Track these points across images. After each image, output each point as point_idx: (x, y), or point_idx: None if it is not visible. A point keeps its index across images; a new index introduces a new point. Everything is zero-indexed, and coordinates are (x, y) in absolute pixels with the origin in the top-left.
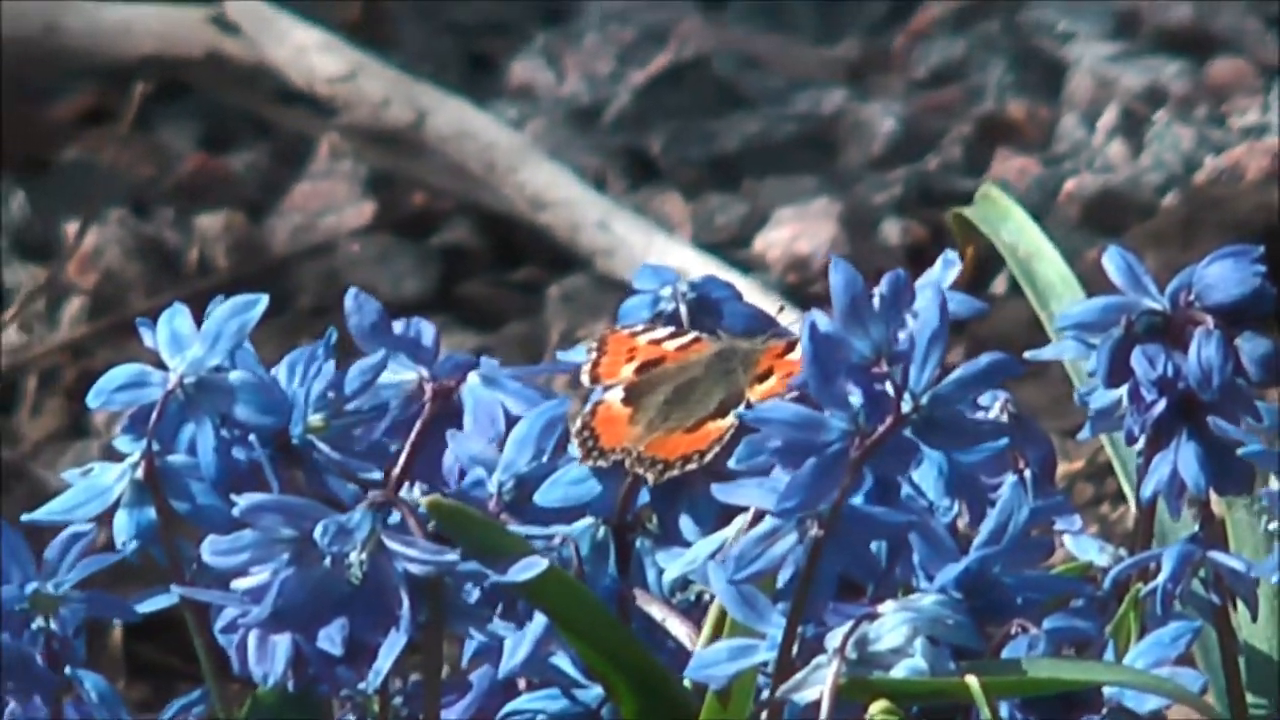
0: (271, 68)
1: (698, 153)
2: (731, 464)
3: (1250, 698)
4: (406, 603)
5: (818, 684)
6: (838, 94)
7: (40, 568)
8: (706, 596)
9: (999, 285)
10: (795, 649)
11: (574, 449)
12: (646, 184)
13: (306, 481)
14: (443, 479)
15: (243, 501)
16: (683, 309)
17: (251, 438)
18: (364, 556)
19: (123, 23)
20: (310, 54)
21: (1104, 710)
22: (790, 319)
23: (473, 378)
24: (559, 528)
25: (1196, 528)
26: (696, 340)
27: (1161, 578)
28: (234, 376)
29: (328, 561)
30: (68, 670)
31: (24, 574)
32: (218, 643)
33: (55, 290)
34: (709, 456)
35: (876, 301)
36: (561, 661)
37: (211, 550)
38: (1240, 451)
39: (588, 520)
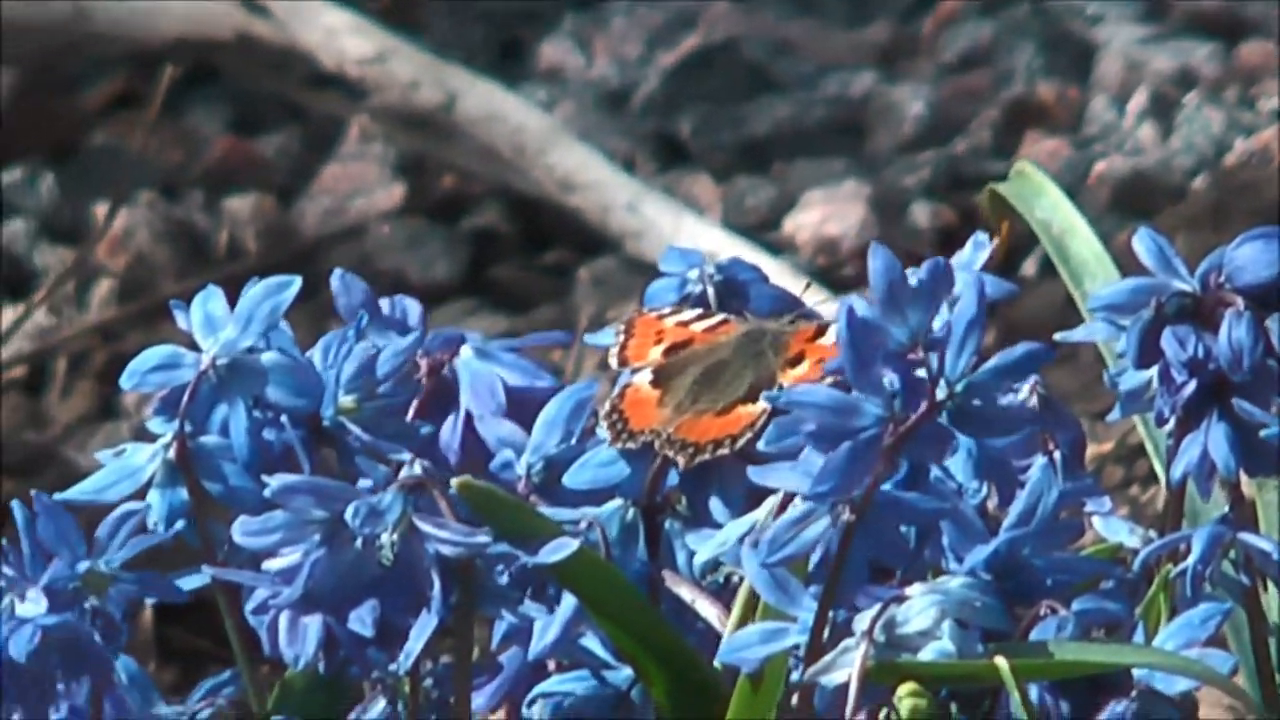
0: (301, 50)
1: (727, 136)
2: (761, 446)
3: None
4: (438, 584)
5: (846, 667)
6: (867, 77)
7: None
8: (736, 578)
9: (1030, 267)
10: (827, 632)
11: (603, 432)
12: (676, 166)
13: (338, 463)
14: (441, 455)
15: (274, 483)
16: (710, 291)
17: (284, 419)
18: (395, 538)
19: (152, 6)
20: (340, 36)
21: (1133, 692)
22: (818, 298)
23: (465, 351)
24: (588, 510)
25: (1227, 509)
26: (724, 322)
27: (1191, 559)
28: (266, 358)
29: (359, 543)
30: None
31: (74, 553)
32: (248, 625)
33: (85, 273)
34: (741, 442)
35: (915, 288)
36: (591, 643)
37: (243, 531)
38: (1264, 434)
39: (617, 502)
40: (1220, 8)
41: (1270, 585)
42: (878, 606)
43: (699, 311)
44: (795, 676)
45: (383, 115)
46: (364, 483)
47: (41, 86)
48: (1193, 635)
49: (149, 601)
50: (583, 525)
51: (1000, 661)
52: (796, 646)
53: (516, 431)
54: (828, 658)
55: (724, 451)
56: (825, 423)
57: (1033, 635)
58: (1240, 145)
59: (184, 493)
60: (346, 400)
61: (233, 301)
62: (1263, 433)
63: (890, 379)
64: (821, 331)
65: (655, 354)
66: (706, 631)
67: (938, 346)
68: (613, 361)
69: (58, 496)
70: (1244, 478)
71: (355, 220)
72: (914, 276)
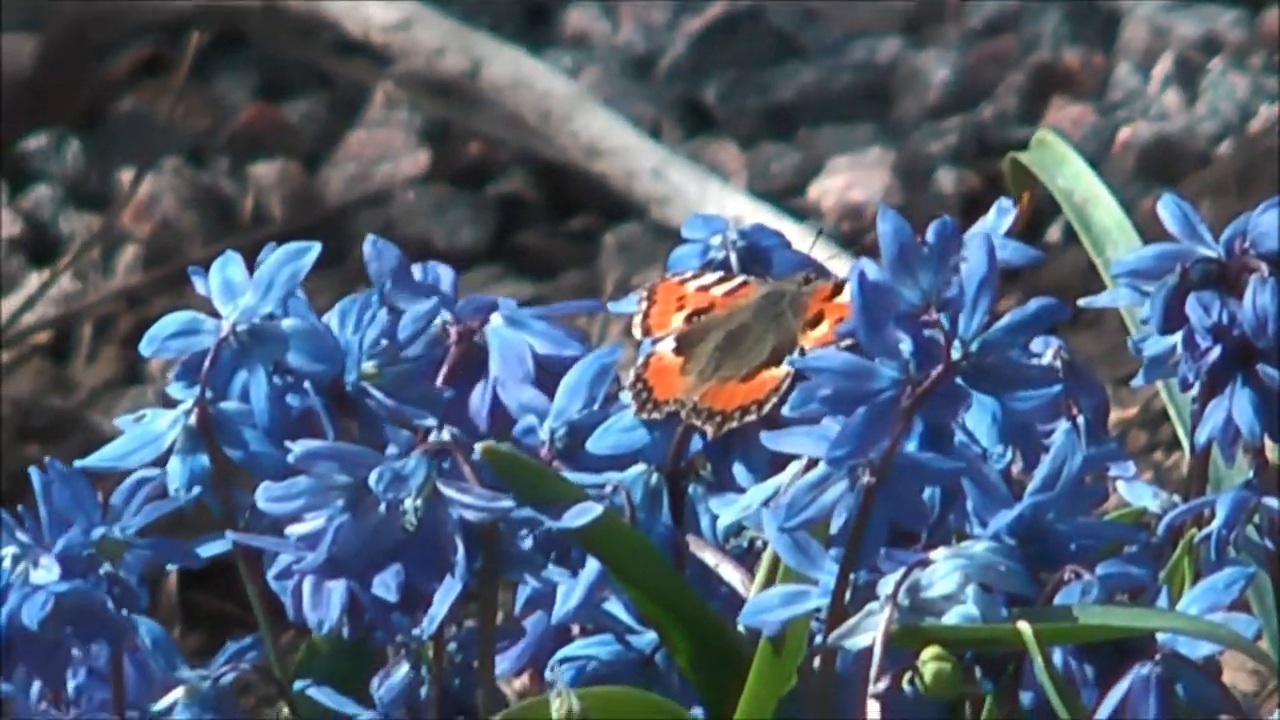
0: (327, 17)
1: (753, 102)
2: (785, 411)
3: None
4: (462, 549)
5: (870, 631)
6: (893, 43)
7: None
8: (760, 543)
9: (1054, 233)
10: (848, 596)
11: (628, 401)
12: (701, 133)
13: (360, 429)
14: (470, 421)
15: (298, 448)
16: (733, 257)
17: (305, 385)
18: (419, 503)
19: None
20: (365, 3)
21: (1157, 657)
22: (827, 253)
23: (495, 318)
24: (612, 475)
25: (1251, 474)
26: (744, 284)
27: (1216, 524)
28: (287, 324)
29: (383, 508)
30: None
31: (89, 519)
32: (271, 590)
33: (110, 239)
34: (767, 407)
35: (925, 250)
36: (614, 608)
37: (266, 497)
38: None
39: (640, 467)
40: None
41: None
42: (902, 571)
43: (719, 274)
44: (818, 640)
45: (408, 82)
46: (393, 449)
47: (69, 54)
48: (1217, 600)
49: (171, 567)
50: (607, 490)
51: (1023, 626)
52: (818, 610)
53: (539, 397)
54: (851, 621)
55: (751, 418)
56: (841, 387)
57: (1056, 600)
58: (1265, 111)
59: (205, 459)
60: (369, 366)
61: (255, 268)
62: None
63: (905, 341)
64: (838, 289)
65: (677, 321)
66: (730, 596)
67: (951, 307)
68: (636, 331)
69: (79, 464)
70: (1268, 443)
71: (380, 187)
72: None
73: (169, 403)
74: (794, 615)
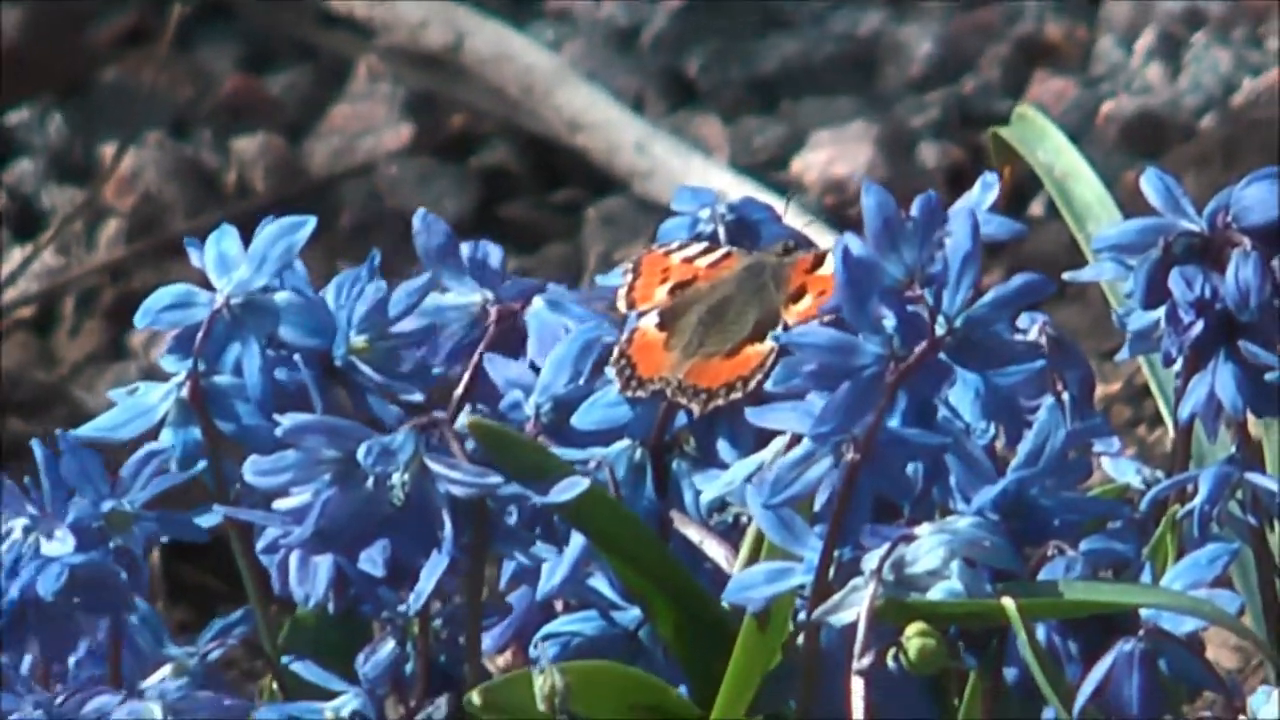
0: None
1: (736, 74)
2: (769, 386)
3: None
4: (449, 524)
5: (855, 606)
6: (876, 15)
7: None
8: (744, 519)
9: (1037, 207)
10: (832, 572)
11: (611, 377)
12: (685, 106)
13: (351, 403)
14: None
15: (286, 422)
16: (721, 231)
17: (297, 358)
18: (406, 478)
19: None
20: None
21: (1141, 632)
22: (803, 221)
23: (538, 301)
24: (596, 450)
25: (1234, 449)
26: (728, 256)
27: (1199, 499)
28: (280, 297)
29: (370, 483)
30: None
31: (97, 491)
32: (260, 564)
33: (93, 212)
34: (753, 384)
35: (909, 224)
36: (599, 584)
37: (254, 470)
38: (1269, 377)
39: (625, 442)
40: None
41: (1277, 525)
42: (886, 546)
43: (703, 246)
44: (802, 616)
45: (391, 55)
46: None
47: (55, 22)
48: (1200, 575)
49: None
50: (591, 465)
51: (1008, 601)
52: (802, 586)
53: (525, 372)
54: (836, 597)
55: (737, 395)
56: (825, 362)
57: (1040, 575)
58: (1248, 84)
59: (197, 431)
60: (358, 340)
61: (243, 242)
62: (1269, 375)
63: (888, 316)
64: (819, 260)
65: (661, 294)
66: (715, 571)
67: (936, 282)
68: (621, 304)
69: (70, 434)
70: (1251, 418)
71: (364, 159)
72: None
73: (153, 376)
74: (778, 592)
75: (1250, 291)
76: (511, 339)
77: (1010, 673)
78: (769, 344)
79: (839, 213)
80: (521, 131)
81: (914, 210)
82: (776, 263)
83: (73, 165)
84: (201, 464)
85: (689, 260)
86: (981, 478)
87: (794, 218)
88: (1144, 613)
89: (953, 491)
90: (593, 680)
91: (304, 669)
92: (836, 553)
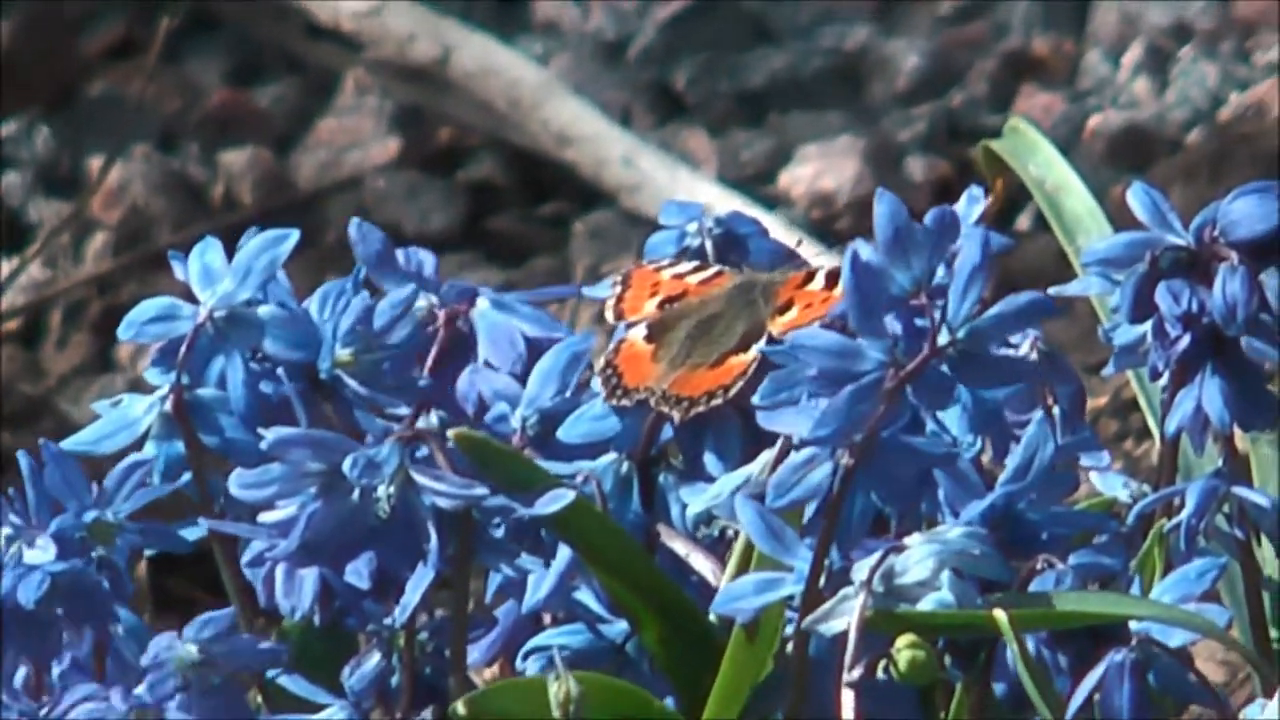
0: (297, 2)
1: (723, 88)
2: (755, 400)
3: (1275, 632)
4: (435, 537)
5: (844, 616)
6: (863, 29)
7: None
8: (730, 532)
9: (1024, 221)
10: (822, 582)
11: (598, 388)
12: (672, 119)
13: (336, 416)
14: (458, 406)
15: (271, 435)
16: (708, 245)
17: (281, 372)
18: (392, 490)
19: None
20: None
21: (1131, 644)
22: (811, 252)
23: (482, 302)
24: (583, 463)
25: (1221, 463)
26: (720, 274)
27: (1186, 513)
28: (264, 311)
29: (356, 495)
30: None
31: (81, 502)
32: (245, 577)
33: (80, 225)
34: (733, 391)
35: (920, 235)
36: (585, 597)
37: (239, 483)
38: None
39: (611, 455)
40: None
41: (1264, 539)
42: (876, 555)
43: (695, 264)
44: (791, 627)
45: (379, 68)
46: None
47: (40, 35)
48: (1188, 590)
49: (145, 552)
50: (578, 479)
51: (999, 613)
52: (791, 597)
53: (511, 384)
54: (826, 606)
55: (718, 401)
56: (827, 366)
57: (1030, 588)
58: (1235, 99)
59: (181, 445)
60: (343, 353)
61: (229, 254)
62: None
63: (893, 324)
64: (809, 278)
65: (650, 307)
66: (701, 585)
67: (941, 294)
68: (609, 315)
69: (54, 445)
70: (1238, 432)
71: (351, 172)
72: (920, 224)
73: (140, 389)
74: (768, 602)
75: (1237, 306)
76: (458, 342)
77: (999, 685)
78: (751, 354)
79: (826, 226)
80: (508, 145)
81: (928, 221)
82: (768, 280)
83: (60, 178)
84: (186, 477)
85: (679, 277)
86: (970, 491)
87: (783, 234)
88: (1133, 625)
89: (941, 505)
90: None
91: (290, 682)
92: (826, 562)
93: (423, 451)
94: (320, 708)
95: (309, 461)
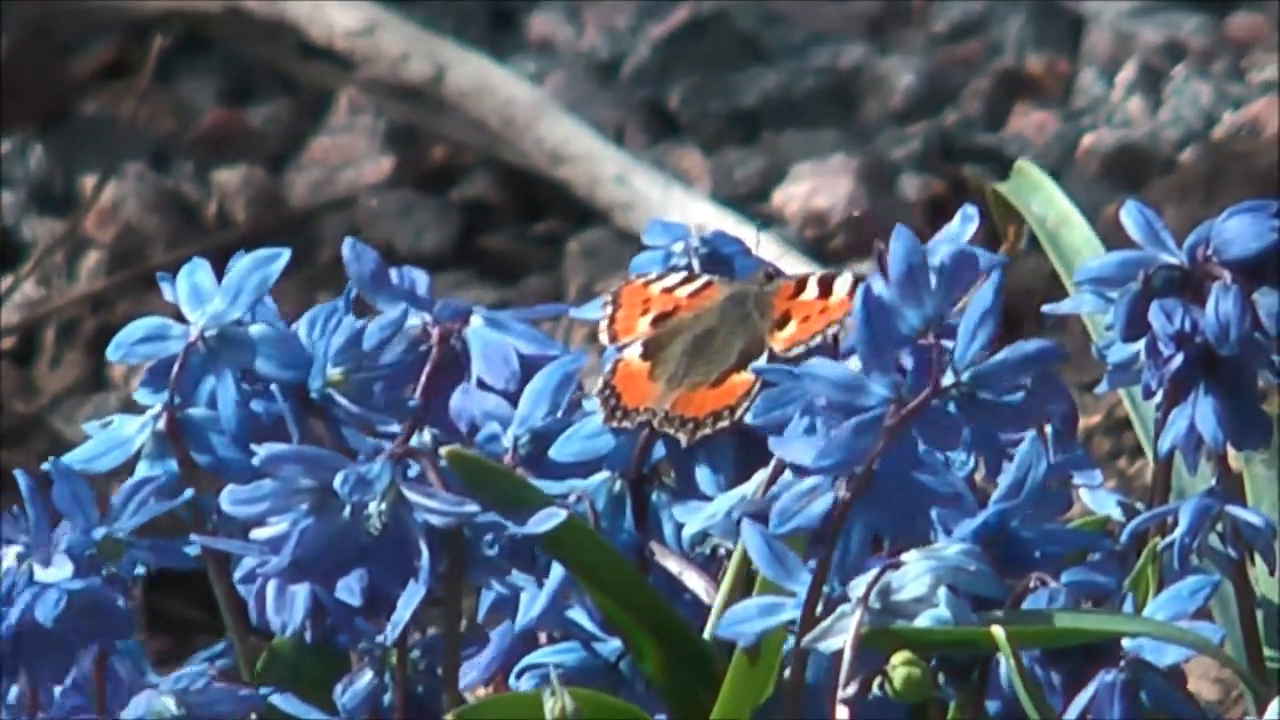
0: (290, 22)
1: (717, 107)
2: (748, 419)
3: (1267, 650)
4: (426, 554)
5: (842, 633)
6: (857, 48)
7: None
8: (723, 551)
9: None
10: (821, 607)
11: (595, 408)
12: (665, 138)
13: (327, 435)
14: (451, 424)
15: (263, 451)
16: (695, 264)
17: (273, 390)
18: (383, 507)
19: None
20: (329, 8)
21: (1123, 662)
22: (775, 253)
23: (475, 320)
24: (575, 482)
25: (1214, 481)
26: (709, 285)
27: (1179, 531)
28: (255, 330)
29: (347, 512)
30: None
31: (88, 519)
32: (238, 594)
33: (74, 243)
34: (740, 412)
35: (934, 274)
36: (578, 615)
37: (231, 500)
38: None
39: (604, 474)
40: None
41: (1258, 558)
42: (873, 573)
43: (683, 275)
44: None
45: (372, 87)
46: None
47: (33, 55)
48: (1181, 608)
49: (139, 570)
50: (571, 499)
51: (996, 629)
52: (794, 621)
53: (502, 404)
54: (824, 624)
55: (724, 424)
56: (833, 398)
57: (1024, 606)
58: (1229, 117)
59: (173, 463)
60: (334, 372)
61: (221, 273)
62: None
63: (906, 360)
64: (801, 286)
65: (643, 325)
66: (694, 603)
67: (951, 333)
68: (603, 337)
69: (45, 467)
70: (1231, 450)
71: (345, 191)
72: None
73: (132, 408)
74: (770, 626)
75: (1230, 325)
76: (451, 360)
77: (992, 704)
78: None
79: (819, 245)
80: (502, 164)
81: (944, 259)
82: (759, 291)
83: (54, 196)
84: (188, 494)
85: (669, 290)
86: (963, 509)
87: (769, 250)
88: (1126, 644)
89: (934, 523)
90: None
91: (282, 700)
92: (825, 589)
93: (414, 469)
94: None
95: (301, 478)
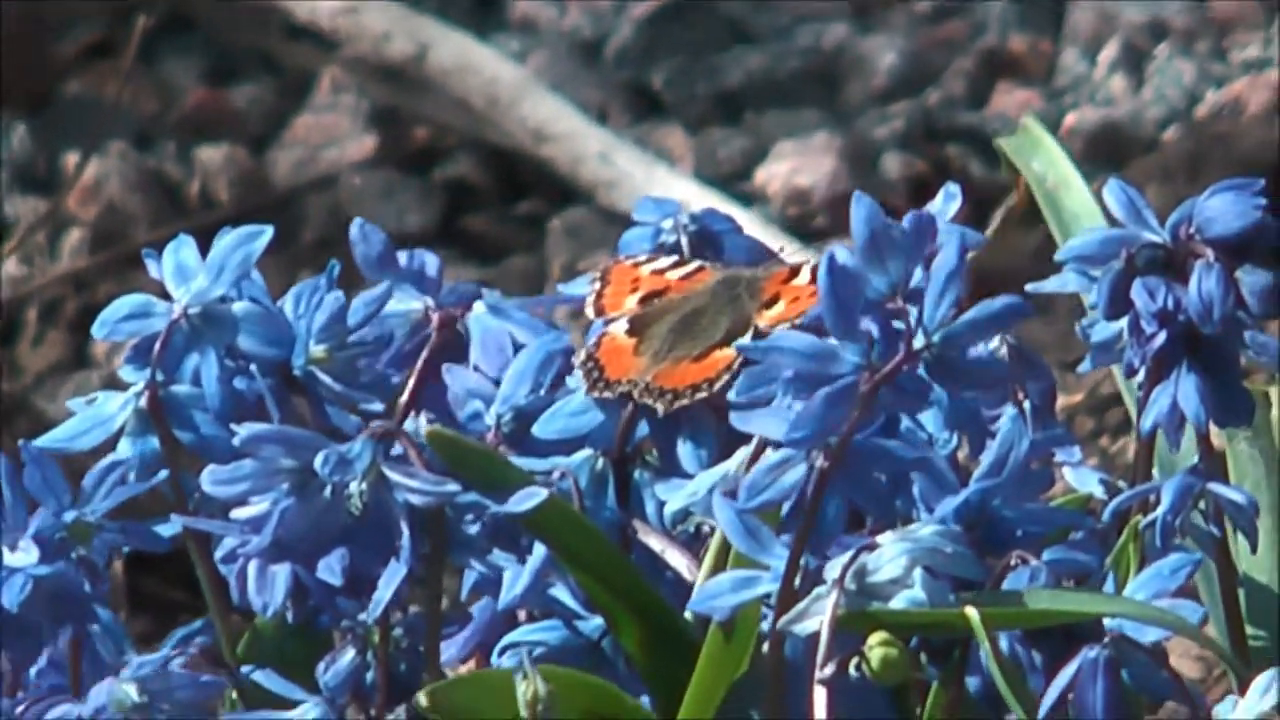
0: (274, 1)
1: (700, 86)
2: (731, 396)
3: (1250, 629)
4: (407, 534)
5: (818, 615)
6: (840, 28)
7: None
8: (706, 529)
9: (998, 219)
10: (798, 581)
11: (578, 381)
12: (649, 118)
13: (310, 413)
14: (448, 410)
15: (243, 431)
16: (684, 241)
17: (254, 368)
18: (364, 487)
19: None
20: None
21: (1105, 641)
22: (794, 257)
23: (478, 307)
24: (558, 460)
25: (1196, 459)
26: (700, 270)
27: (1161, 510)
28: (238, 307)
29: (328, 492)
30: None
31: (59, 502)
32: (220, 574)
33: (56, 222)
34: (719, 385)
35: (898, 238)
36: (560, 593)
37: (211, 480)
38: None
39: (586, 452)
40: None
41: (1240, 535)
42: (849, 554)
43: (675, 259)
44: (766, 626)
45: (355, 66)
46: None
47: (17, 36)
48: (1162, 586)
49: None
50: (555, 476)
51: (971, 611)
52: (768, 595)
53: (484, 382)
54: (800, 606)
55: (702, 395)
56: (802, 369)
57: (1004, 586)
58: (1211, 97)
59: (155, 441)
60: (317, 350)
61: (204, 252)
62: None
63: (869, 328)
64: (795, 273)
65: (631, 303)
66: (676, 582)
67: (917, 297)
68: (589, 311)
69: (26, 445)
70: (1214, 428)
71: (328, 171)
72: (896, 227)
73: (115, 386)
74: (745, 601)
75: (1213, 303)
76: (453, 345)
77: (973, 682)
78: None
79: (802, 224)
80: (484, 144)
81: (905, 225)
82: (752, 275)
83: (36, 176)
84: (162, 474)
85: (659, 272)
86: (944, 488)
87: (758, 231)
88: (1107, 623)
89: (916, 502)
90: (554, 688)
91: (264, 678)
92: (803, 561)
93: (398, 449)
94: (295, 704)
95: (281, 458)
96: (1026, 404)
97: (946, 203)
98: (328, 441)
